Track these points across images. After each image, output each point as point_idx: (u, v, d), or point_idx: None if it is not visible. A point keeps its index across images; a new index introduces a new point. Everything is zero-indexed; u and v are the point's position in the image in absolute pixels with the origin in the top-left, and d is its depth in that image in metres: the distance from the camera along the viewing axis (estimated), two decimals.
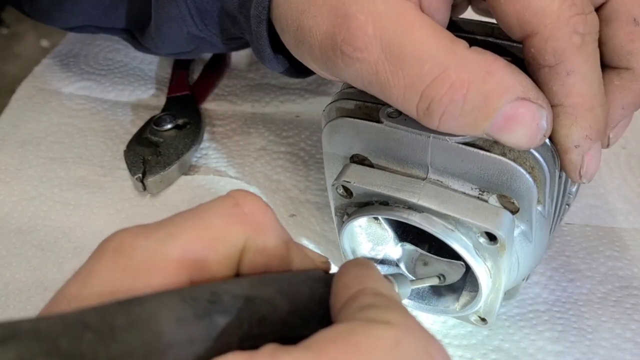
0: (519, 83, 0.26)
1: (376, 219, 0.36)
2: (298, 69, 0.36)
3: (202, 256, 0.21)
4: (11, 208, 0.46)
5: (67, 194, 0.46)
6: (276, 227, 0.23)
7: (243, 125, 0.51)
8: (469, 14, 0.36)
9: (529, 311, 0.38)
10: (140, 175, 0.45)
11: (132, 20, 0.44)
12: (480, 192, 0.30)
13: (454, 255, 0.34)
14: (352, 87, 0.32)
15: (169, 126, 0.48)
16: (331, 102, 0.33)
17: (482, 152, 0.29)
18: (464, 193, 0.31)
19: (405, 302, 0.36)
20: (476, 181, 0.30)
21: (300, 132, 0.50)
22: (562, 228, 0.43)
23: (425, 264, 0.36)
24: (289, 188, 0.46)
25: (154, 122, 0.49)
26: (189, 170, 0.48)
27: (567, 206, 0.38)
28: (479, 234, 0.30)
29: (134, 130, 0.50)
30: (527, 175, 0.28)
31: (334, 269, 0.24)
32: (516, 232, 0.30)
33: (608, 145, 0.31)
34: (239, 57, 0.57)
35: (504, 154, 0.29)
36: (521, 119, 0.26)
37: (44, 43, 0.61)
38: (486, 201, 0.30)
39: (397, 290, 0.26)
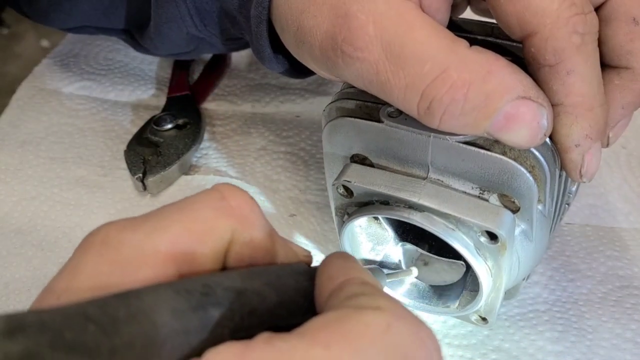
0: (520, 82, 0.26)
1: (376, 219, 0.36)
2: (297, 70, 0.36)
3: (190, 249, 0.21)
4: (11, 208, 0.45)
5: (67, 194, 0.46)
6: (262, 221, 0.23)
7: (243, 125, 0.51)
8: (468, 14, 0.36)
9: (529, 311, 0.38)
10: (141, 175, 0.45)
11: (131, 21, 0.44)
12: (481, 192, 0.30)
13: (454, 255, 0.34)
14: (353, 87, 0.32)
15: (169, 126, 0.49)
16: (331, 102, 0.33)
17: (482, 151, 0.29)
18: (465, 192, 0.31)
19: (406, 302, 0.36)
20: (477, 180, 0.30)
21: (300, 132, 0.50)
22: (562, 228, 0.43)
23: (426, 264, 0.36)
24: (289, 188, 0.46)
25: (154, 122, 0.49)
26: (189, 170, 0.48)
27: (566, 205, 0.38)
28: (480, 233, 0.30)
29: (134, 130, 0.50)
30: (528, 174, 0.28)
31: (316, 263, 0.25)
32: (517, 231, 0.30)
33: (608, 145, 0.31)
34: (239, 57, 0.57)
35: (504, 153, 0.29)
36: (522, 118, 0.26)
37: (44, 43, 0.61)
38: (487, 200, 0.30)
39: None
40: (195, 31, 0.40)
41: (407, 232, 0.37)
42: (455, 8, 0.35)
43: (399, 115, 0.30)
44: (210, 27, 0.40)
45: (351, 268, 0.22)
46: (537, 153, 0.28)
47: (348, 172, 0.32)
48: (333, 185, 0.33)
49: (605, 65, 0.30)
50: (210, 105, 0.53)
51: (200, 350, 0.18)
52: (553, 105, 0.28)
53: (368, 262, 0.37)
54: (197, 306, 0.19)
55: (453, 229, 0.30)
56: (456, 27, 0.32)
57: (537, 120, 0.26)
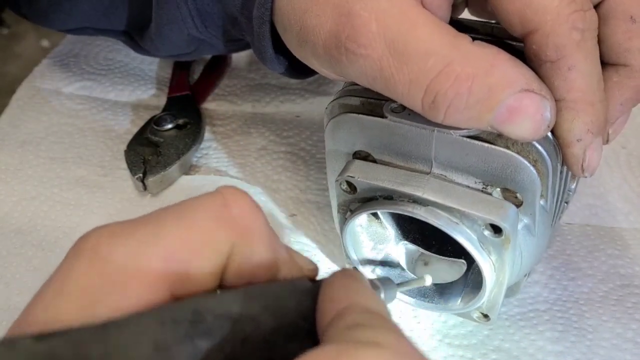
0: (523, 75, 0.27)
1: (377, 217, 0.36)
2: (298, 70, 0.36)
3: (184, 265, 0.20)
4: (11, 208, 0.45)
5: (67, 194, 0.46)
6: (264, 233, 0.22)
7: (243, 125, 0.51)
8: (466, 16, 0.36)
9: (530, 310, 0.38)
10: (141, 175, 0.45)
11: (131, 22, 0.44)
12: (484, 186, 0.30)
13: (454, 254, 0.34)
14: (355, 84, 0.32)
15: (170, 126, 0.49)
16: (334, 100, 0.33)
17: (486, 144, 0.29)
18: (468, 187, 0.31)
19: (408, 299, 0.36)
20: (480, 175, 0.30)
21: (300, 132, 0.50)
22: (563, 228, 0.43)
23: (426, 263, 0.36)
24: (290, 188, 0.46)
25: (154, 122, 0.49)
26: (189, 170, 0.48)
27: (565, 204, 0.38)
28: (484, 227, 0.30)
29: (135, 130, 0.50)
30: (531, 168, 0.28)
31: (328, 271, 0.23)
32: (519, 225, 0.31)
33: (607, 141, 0.32)
34: (240, 57, 0.57)
35: (508, 147, 0.29)
36: (525, 110, 0.26)
37: (44, 43, 0.61)
38: (490, 195, 0.30)
39: (382, 295, 0.25)
40: (196, 32, 0.40)
41: (407, 231, 0.37)
42: (454, 9, 0.36)
43: (403, 111, 0.30)
44: (211, 29, 0.40)
45: (356, 291, 0.21)
46: (539, 147, 0.29)
47: (351, 168, 0.33)
48: (336, 181, 0.33)
49: (604, 62, 0.30)
50: (210, 105, 0.53)
51: None
52: (555, 101, 0.28)
53: (370, 262, 0.37)
54: (184, 338, 0.18)
55: (457, 223, 0.30)
56: (457, 25, 0.33)
57: (540, 113, 0.27)
